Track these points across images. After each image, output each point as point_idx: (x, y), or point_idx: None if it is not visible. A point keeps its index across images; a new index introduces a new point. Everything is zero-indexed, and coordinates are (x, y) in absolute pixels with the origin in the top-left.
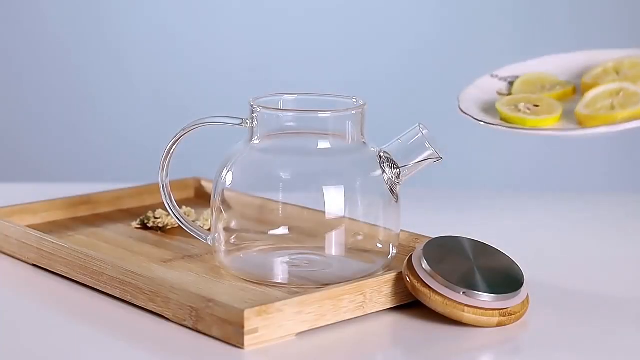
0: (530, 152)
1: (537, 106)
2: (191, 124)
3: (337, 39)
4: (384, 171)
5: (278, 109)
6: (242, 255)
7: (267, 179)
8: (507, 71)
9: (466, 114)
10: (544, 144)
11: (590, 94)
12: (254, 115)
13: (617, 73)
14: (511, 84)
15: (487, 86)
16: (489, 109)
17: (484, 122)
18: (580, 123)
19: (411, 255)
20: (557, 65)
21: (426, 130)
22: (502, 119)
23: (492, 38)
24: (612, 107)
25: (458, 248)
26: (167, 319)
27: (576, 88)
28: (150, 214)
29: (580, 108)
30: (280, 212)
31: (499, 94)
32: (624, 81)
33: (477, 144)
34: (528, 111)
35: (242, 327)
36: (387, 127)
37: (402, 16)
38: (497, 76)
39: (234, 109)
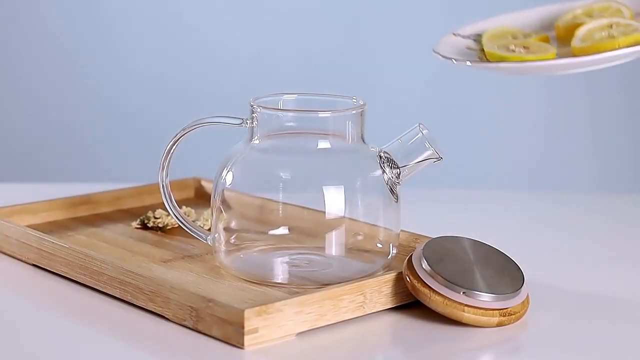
0: (531, 151)
1: (527, 48)
2: (191, 124)
3: (337, 39)
4: (384, 171)
5: (278, 109)
6: (242, 255)
7: (267, 179)
8: (468, 30)
9: (456, 60)
10: (543, 143)
11: (582, 30)
12: (254, 115)
13: (590, 17)
14: (476, 41)
15: (454, 43)
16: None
17: (480, 62)
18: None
19: (411, 255)
20: (514, 21)
21: (426, 130)
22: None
23: None
24: (612, 37)
25: (458, 248)
26: (167, 319)
27: (549, 37)
28: (150, 214)
29: (577, 43)
30: (280, 212)
31: (469, 49)
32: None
33: (477, 144)
34: (522, 51)
35: (242, 327)
36: (387, 127)
37: (402, 16)
38: (459, 35)
39: (234, 109)
